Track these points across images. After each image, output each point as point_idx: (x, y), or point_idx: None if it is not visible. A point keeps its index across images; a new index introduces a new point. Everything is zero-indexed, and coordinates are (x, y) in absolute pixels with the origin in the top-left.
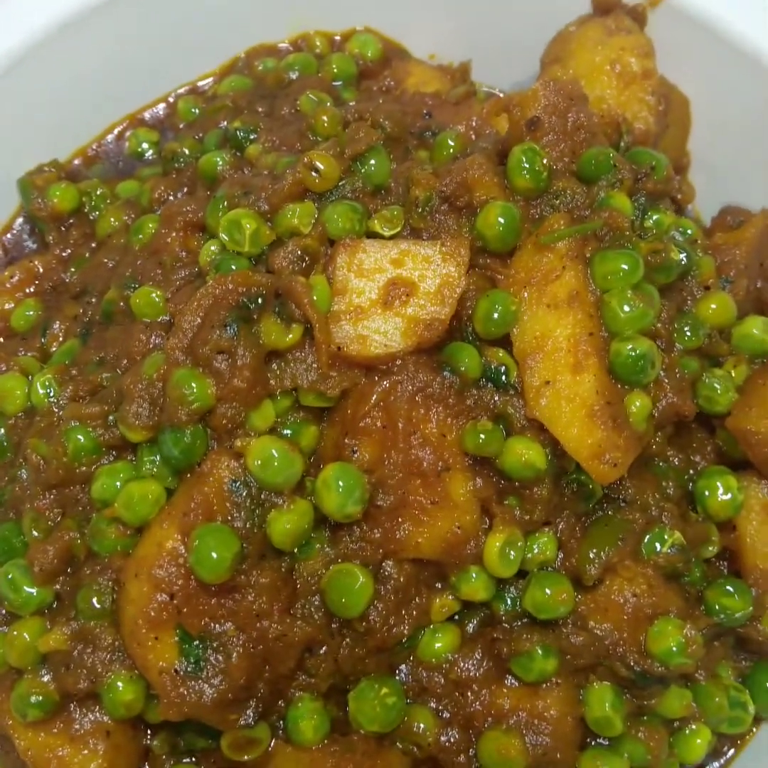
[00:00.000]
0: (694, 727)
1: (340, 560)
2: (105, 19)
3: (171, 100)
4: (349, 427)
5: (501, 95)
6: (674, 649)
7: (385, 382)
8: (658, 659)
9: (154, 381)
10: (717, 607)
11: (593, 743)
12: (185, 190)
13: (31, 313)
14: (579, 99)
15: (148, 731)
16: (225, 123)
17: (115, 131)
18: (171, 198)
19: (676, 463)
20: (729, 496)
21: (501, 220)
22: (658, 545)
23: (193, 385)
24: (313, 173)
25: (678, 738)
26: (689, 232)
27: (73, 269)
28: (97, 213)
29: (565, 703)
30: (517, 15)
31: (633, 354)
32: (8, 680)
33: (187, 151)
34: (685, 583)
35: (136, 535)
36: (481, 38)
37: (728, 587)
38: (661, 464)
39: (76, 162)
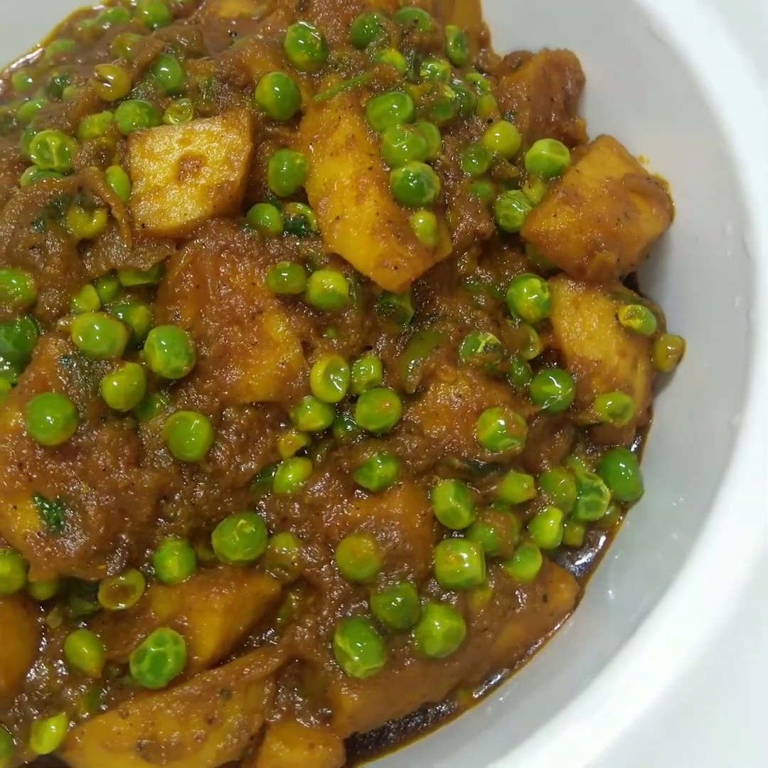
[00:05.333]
0: (545, 510)
1: None
2: None
3: (7, 75)
4: (168, 295)
5: None
6: (498, 432)
7: (189, 247)
8: (486, 446)
9: None
10: (540, 394)
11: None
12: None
13: None
14: None
15: (43, 610)
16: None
17: None
18: None
19: (489, 279)
20: (534, 296)
21: (276, 88)
22: (473, 348)
23: (13, 281)
24: (105, 85)
25: (533, 524)
26: (478, 83)
27: None
28: None
29: (411, 502)
30: None
31: (408, 175)
32: None
33: (17, 112)
34: (511, 383)
35: None
36: None
37: (550, 377)
38: (473, 282)
39: None
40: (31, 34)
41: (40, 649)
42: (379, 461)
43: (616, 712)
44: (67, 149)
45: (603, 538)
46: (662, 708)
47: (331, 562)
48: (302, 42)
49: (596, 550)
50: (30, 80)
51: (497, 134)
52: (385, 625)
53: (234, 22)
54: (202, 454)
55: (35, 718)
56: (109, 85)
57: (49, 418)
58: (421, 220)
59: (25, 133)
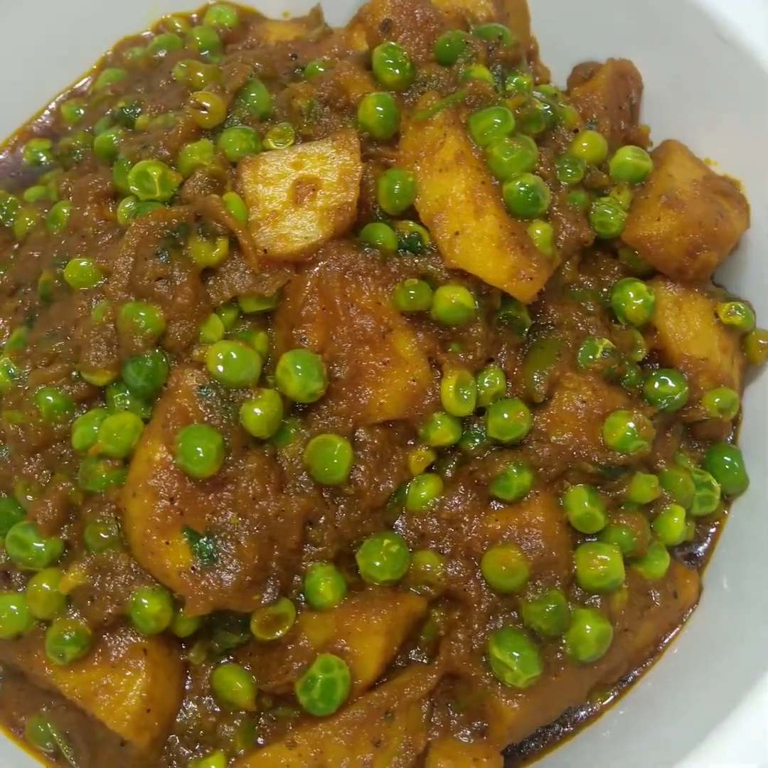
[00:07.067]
0: (668, 508)
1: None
2: None
3: (53, 107)
4: (293, 320)
5: None
6: (628, 434)
7: (314, 270)
8: (617, 448)
9: (105, 324)
10: (656, 395)
11: (583, 542)
12: (89, 175)
13: None
14: None
15: (183, 647)
16: (110, 110)
17: (8, 147)
18: None
19: (590, 286)
20: (641, 299)
21: (379, 108)
22: (591, 354)
23: (142, 313)
24: (202, 112)
25: (657, 523)
26: (555, 94)
27: (1, 272)
28: (11, 219)
29: (549, 509)
30: None
31: (523, 188)
32: (40, 635)
33: (80, 143)
34: (625, 386)
35: (123, 467)
36: None
37: (662, 377)
38: (576, 289)
39: None
40: (73, 64)
41: (186, 687)
42: (514, 471)
43: None
44: (167, 179)
45: (712, 531)
46: None
47: (477, 575)
48: (391, 61)
49: (707, 543)
50: (80, 111)
51: (585, 144)
52: (539, 633)
53: (292, 45)
54: (345, 476)
55: (190, 758)
56: (205, 113)
57: (199, 449)
58: (538, 231)
59: (117, 164)
